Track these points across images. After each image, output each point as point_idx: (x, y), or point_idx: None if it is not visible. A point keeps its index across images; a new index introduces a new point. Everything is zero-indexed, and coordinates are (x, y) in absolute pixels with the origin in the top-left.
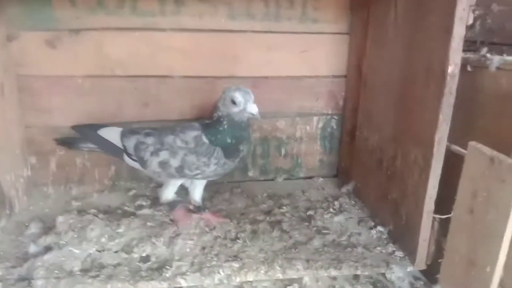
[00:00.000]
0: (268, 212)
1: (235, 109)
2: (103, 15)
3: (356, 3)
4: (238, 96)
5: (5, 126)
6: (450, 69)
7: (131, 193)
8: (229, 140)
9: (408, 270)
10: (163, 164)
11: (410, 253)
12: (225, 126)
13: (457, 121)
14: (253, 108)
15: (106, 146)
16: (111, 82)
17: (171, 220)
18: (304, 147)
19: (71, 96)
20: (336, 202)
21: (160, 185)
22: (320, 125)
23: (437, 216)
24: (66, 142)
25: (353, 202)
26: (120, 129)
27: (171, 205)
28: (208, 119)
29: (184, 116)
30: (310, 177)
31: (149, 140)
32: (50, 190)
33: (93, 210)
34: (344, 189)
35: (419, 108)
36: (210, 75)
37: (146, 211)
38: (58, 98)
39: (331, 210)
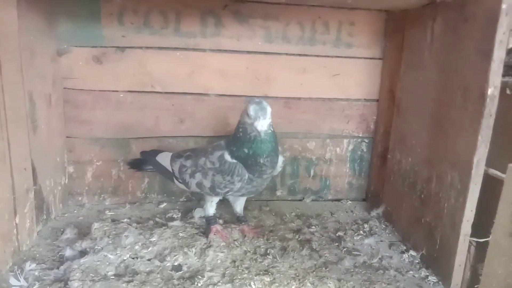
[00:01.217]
0: (297, 231)
1: (248, 121)
2: (148, 35)
3: (390, 29)
4: (251, 110)
5: (50, 134)
6: (490, 91)
7: (162, 205)
8: (246, 150)
9: None
10: (200, 185)
11: (445, 278)
12: (241, 134)
13: (494, 145)
14: (259, 125)
15: (162, 170)
16: (150, 98)
17: (203, 233)
18: (333, 169)
19: (112, 109)
20: (366, 225)
21: (189, 200)
22: (351, 147)
23: (474, 239)
24: (134, 165)
25: (383, 225)
26: (171, 153)
27: (209, 220)
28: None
29: (217, 133)
30: (338, 200)
31: (188, 163)
32: (85, 199)
33: (126, 220)
34: (374, 213)
35: (455, 130)
36: (244, 94)
37: (177, 223)
38: (100, 111)
39: (361, 232)
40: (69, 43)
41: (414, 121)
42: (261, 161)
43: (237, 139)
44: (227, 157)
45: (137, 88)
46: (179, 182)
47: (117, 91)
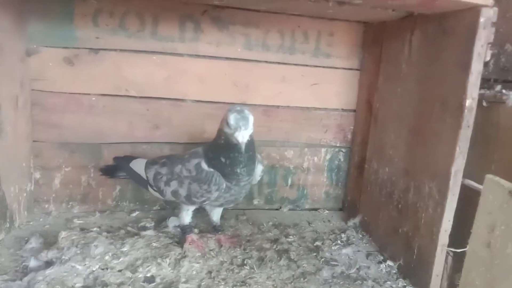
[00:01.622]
0: (275, 241)
1: (228, 131)
2: (123, 37)
3: (368, 41)
4: (232, 119)
5: (15, 138)
6: (468, 103)
7: (134, 214)
8: (223, 160)
9: None
10: (175, 193)
11: None
12: (222, 142)
13: (471, 156)
14: (239, 136)
15: (136, 177)
16: (125, 102)
17: (177, 243)
18: (311, 178)
19: (84, 113)
20: (343, 235)
21: (163, 208)
22: (328, 157)
23: (452, 250)
24: (107, 171)
25: (360, 235)
26: (145, 160)
27: (185, 229)
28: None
29: (194, 140)
30: (315, 209)
31: (164, 170)
32: (52, 207)
33: (96, 229)
34: (351, 222)
35: (434, 141)
36: (222, 101)
37: (150, 232)
38: (70, 115)
39: (339, 242)
40: (40, 43)
41: (391, 132)
42: (238, 170)
43: (216, 146)
44: (204, 165)
45: (111, 91)
46: (154, 190)
47: (89, 94)
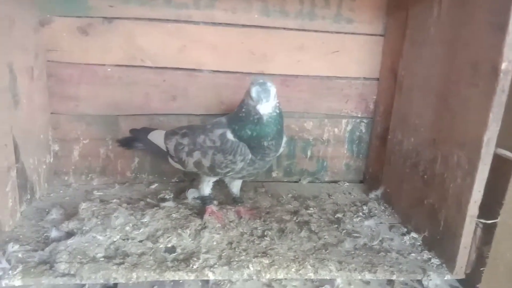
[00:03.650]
0: (295, 213)
1: (251, 103)
2: (137, 5)
3: (393, 5)
4: (254, 92)
5: (32, 110)
6: (504, 66)
7: (153, 186)
8: (249, 132)
9: (446, 278)
10: (197, 164)
11: (449, 261)
12: (244, 114)
13: (504, 123)
14: (261, 108)
15: (154, 149)
16: (140, 73)
17: (197, 214)
18: (330, 150)
19: (99, 85)
20: (364, 207)
21: (181, 180)
22: (349, 128)
23: (482, 221)
24: (124, 143)
25: (382, 207)
26: (164, 131)
27: (205, 200)
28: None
29: (210, 112)
30: (335, 181)
31: (185, 140)
32: (71, 179)
33: (115, 200)
34: (372, 195)
35: (464, 108)
36: (239, 70)
37: (169, 203)
38: (86, 86)
39: (360, 214)
40: (53, 12)
41: (417, 100)
42: (265, 144)
43: (240, 119)
44: (230, 135)
45: (126, 62)
46: (175, 161)
47: (104, 65)
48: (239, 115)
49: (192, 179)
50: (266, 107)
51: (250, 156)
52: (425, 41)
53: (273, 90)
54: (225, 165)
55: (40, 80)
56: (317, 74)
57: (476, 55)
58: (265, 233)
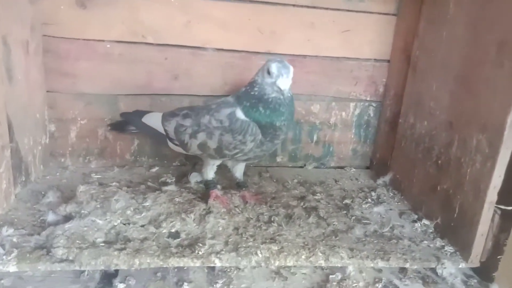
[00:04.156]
0: (302, 198)
1: (268, 80)
2: None
3: None
4: (274, 67)
5: (28, 86)
6: None
7: (154, 169)
8: (262, 110)
9: (460, 266)
10: (202, 146)
11: (464, 249)
12: (255, 93)
13: None
14: (282, 83)
15: (151, 132)
16: (141, 50)
17: (201, 198)
18: (337, 134)
19: (99, 62)
20: (373, 193)
21: (183, 164)
22: (357, 112)
23: (501, 207)
24: (116, 127)
25: (391, 194)
26: (161, 114)
27: (208, 185)
28: (244, 87)
29: (214, 92)
30: (341, 167)
31: (187, 122)
32: (68, 161)
33: (115, 183)
34: (380, 181)
35: (486, 89)
36: (245, 49)
37: (171, 187)
38: (84, 63)
39: (369, 200)
40: None
41: (433, 82)
42: (278, 124)
43: (252, 97)
44: (240, 114)
45: (127, 38)
46: (175, 144)
47: (104, 40)
48: (250, 93)
49: (194, 163)
50: (286, 82)
51: (260, 136)
52: (444, 20)
53: (291, 68)
54: (233, 146)
55: (36, 55)
56: (326, 55)
57: (501, 33)
58: (272, 219)
